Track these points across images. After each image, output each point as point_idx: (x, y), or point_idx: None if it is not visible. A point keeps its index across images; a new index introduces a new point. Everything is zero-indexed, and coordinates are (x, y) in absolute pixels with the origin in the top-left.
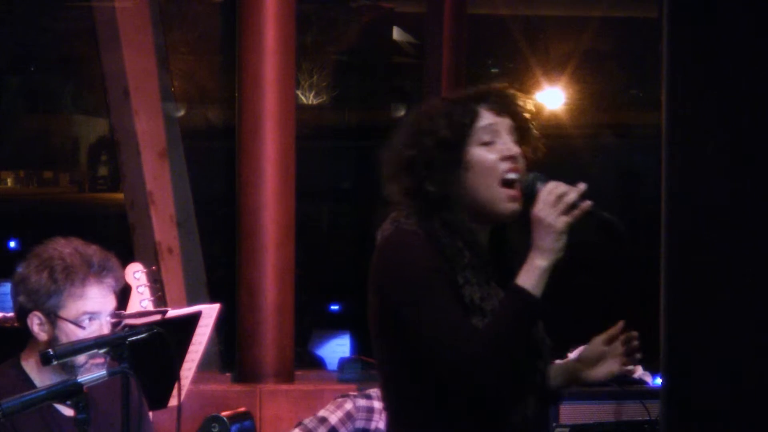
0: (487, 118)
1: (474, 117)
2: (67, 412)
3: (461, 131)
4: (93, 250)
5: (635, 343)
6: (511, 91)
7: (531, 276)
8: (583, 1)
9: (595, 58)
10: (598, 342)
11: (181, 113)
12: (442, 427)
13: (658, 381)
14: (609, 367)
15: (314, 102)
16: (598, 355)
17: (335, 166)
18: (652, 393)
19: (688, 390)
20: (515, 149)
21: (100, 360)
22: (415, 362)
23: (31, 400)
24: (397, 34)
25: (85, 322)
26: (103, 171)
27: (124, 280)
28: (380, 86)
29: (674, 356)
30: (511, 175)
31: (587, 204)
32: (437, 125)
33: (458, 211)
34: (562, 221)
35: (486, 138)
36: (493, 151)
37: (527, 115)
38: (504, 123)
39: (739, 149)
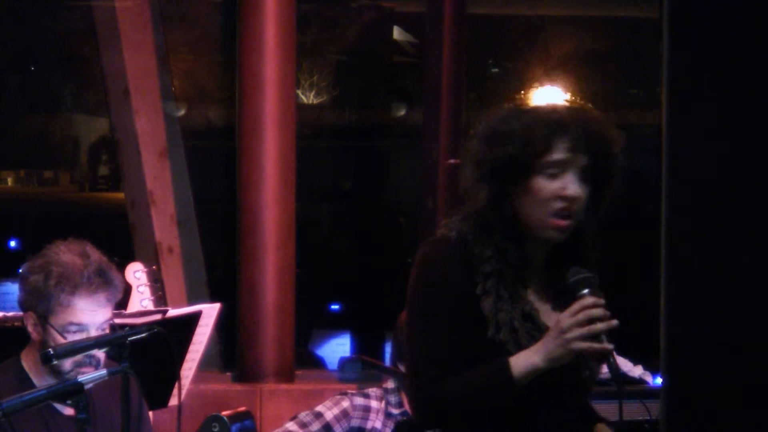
0: (560, 152)
1: (549, 149)
2: (66, 411)
3: (532, 158)
4: (93, 260)
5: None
6: (596, 127)
7: (524, 366)
8: (584, 1)
9: (595, 57)
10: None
11: (182, 113)
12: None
13: (658, 381)
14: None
15: (314, 101)
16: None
17: (335, 165)
18: (652, 393)
19: (688, 390)
20: (576, 191)
21: (89, 369)
22: None
23: (31, 399)
24: (397, 33)
25: (70, 333)
26: (103, 170)
27: (122, 293)
28: (380, 86)
29: (674, 356)
30: (564, 214)
31: (608, 347)
32: (512, 141)
33: (506, 222)
34: (577, 345)
35: (552, 171)
36: (554, 185)
37: (605, 154)
38: (576, 160)
39: (740, 148)
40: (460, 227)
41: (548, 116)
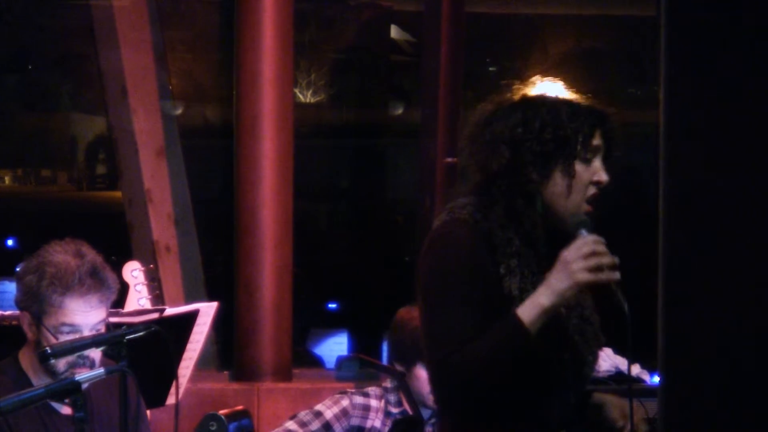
0: (597, 139)
1: (592, 133)
2: (64, 410)
3: (578, 140)
4: (86, 261)
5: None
6: (613, 118)
7: (531, 311)
8: (582, 0)
9: (594, 56)
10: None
11: (179, 111)
12: (475, 417)
13: (656, 379)
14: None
15: (312, 100)
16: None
17: (333, 164)
18: (650, 391)
19: (686, 389)
20: (606, 177)
21: (83, 369)
22: None
23: (29, 398)
24: (395, 32)
25: (63, 334)
26: (101, 169)
27: (116, 293)
28: (378, 85)
29: (672, 355)
30: (592, 200)
31: (615, 276)
32: (561, 122)
33: (534, 203)
34: (583, 276)
35: (588, 156)
36: (589, 170)
37: (614, 145)
38: (603, 149)
39: (739, 148)
40: (474, 210)
41: (587, 102)
